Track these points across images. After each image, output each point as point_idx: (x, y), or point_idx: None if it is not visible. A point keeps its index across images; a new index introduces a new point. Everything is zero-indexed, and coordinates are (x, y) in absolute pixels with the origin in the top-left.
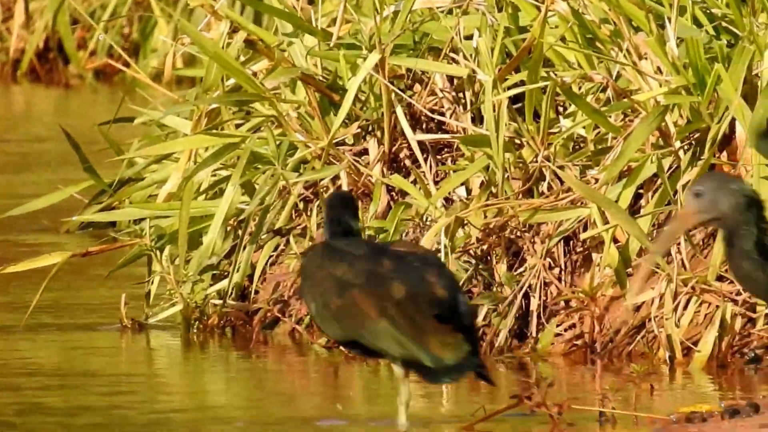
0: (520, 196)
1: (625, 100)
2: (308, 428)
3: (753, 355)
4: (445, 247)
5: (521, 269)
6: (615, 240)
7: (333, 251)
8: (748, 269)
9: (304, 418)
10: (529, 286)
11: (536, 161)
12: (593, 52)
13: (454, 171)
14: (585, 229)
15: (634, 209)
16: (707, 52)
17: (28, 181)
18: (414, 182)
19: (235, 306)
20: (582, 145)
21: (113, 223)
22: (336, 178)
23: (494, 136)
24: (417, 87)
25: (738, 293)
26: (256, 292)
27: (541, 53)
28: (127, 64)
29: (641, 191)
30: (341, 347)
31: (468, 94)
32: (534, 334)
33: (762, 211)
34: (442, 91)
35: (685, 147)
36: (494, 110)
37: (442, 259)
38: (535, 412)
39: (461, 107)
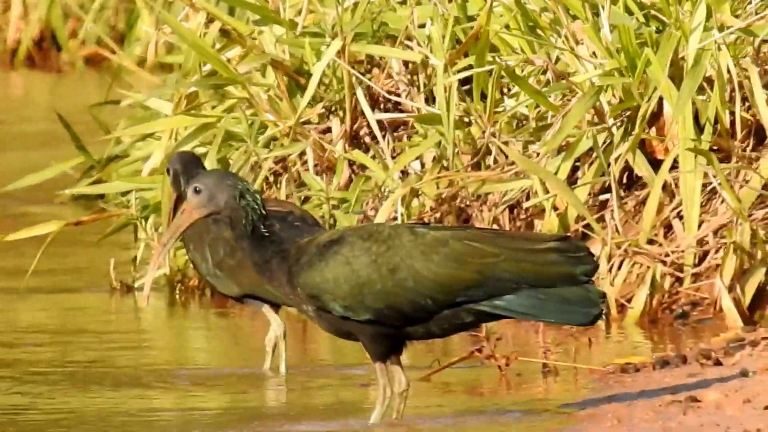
0: (469, 168)
1: (564, 81)
2: (278, 377)
3: (681, 311)
4: (402, 215)
5: None
6: (555, 208)
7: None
8: (247, 249)
9: (274, 368)
10: None
11: (483, 137)
12: (534, 38)
13: (410, 147)
14: (528, 198)
15: (571, 180)
16: (638, 38)
17: (25, 158)
18: (373, 157)
19: None
20: (525, 122)
21: (102, 196)
22: (303, 153)
23: (445, 115)
24: (375, 71)
25: (667, 255)
26: None
27: (487, 40)
28: (114, 52)
29: (578, 164)
30: (233, 300)
31: (422, 77)
32: None
33: (259, 199)
34: (398, 74)
35: (618, 124)
36: (445, 91)
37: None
38: (484, 364)
39: (415, 89)
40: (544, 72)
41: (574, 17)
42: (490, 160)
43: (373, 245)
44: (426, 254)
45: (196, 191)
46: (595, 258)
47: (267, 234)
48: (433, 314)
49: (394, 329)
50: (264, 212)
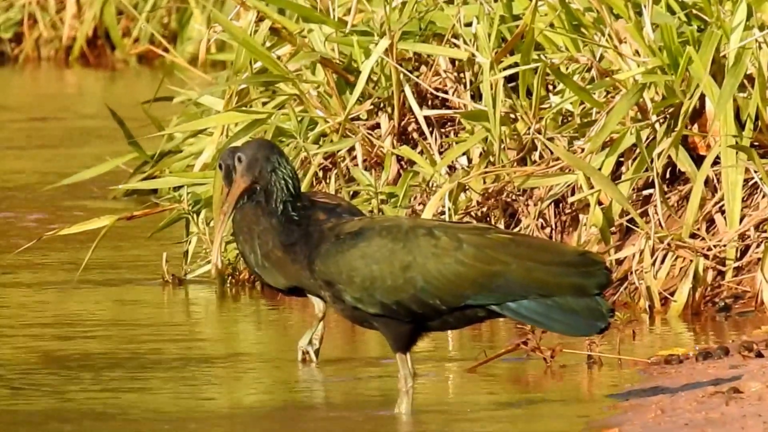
0: (515, 164)
1: (608, 79)
2: (328, 368)
3: (723, 304)
4: (449, 209)
5: (517, 229)
6: (599, 202)
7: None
8: (275, 227)
9: (325, 360)
10: None
11: (529, 133)
12: (579, 36)
13: (456, 142)
14: (573, 193)
15: (615, 175)
16: (680, 37)
17: (79, 154)
18: (421, 153)
19: None
20: (569, 119)
21: (155, 190)
22: (352, 149)
23: (491, 111)
24: (423, 68)
25: (709, 249)
26: None
27: (532, 38)
28: (166, 50)
29: (622, 159)
30: (280, 293)
31: (468, 74)
32: None
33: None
34: (445, 72)
35: (661, 120)
36: (491, 89)
37: (446, 219)
38: (530, 356)
39: (462, 86)
40: (589, 69)
41: (618, 16)
42: (535, 156)
43: (389, 242)
44: (438, 256)
45: (239, 160)
46: (609, 273)
47: (296, 218)
48: (441, 313)
49: (406, 322)
50: (295, 192)
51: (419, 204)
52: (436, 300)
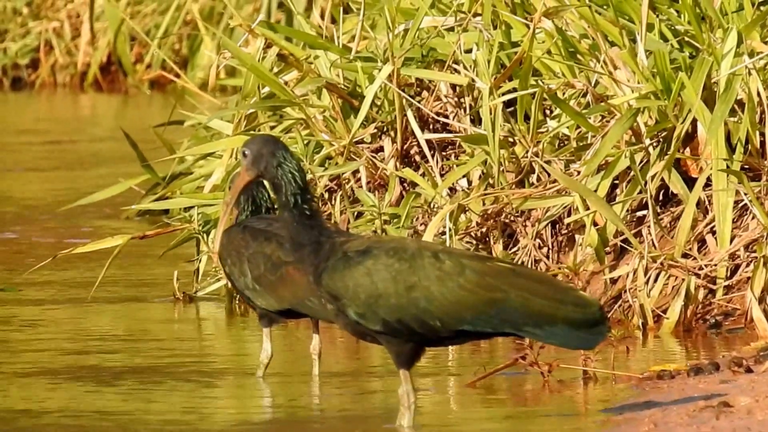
0: (514, 186)
1: (603, 104)
2: (332, 382)
3: (714, 321)
4: (450, 229)
5: (515, 248)
6: (595, 223)
7: (256, 232)
8: (288, 222)
9: (329, 372)
10: (522, 263)
11: (527, 156)
12: (575, 63)
13: (457, 165)
14: (569, 214)
15: (610, 197)
16: (672, 63)
17: (93, 176)
18: (423, 175)
19: None
20: (566, 142)
21: (166, 211)
22: (356, 171)
23: (491, 135)
24: (425, 93)
25: (700, 268)
26: None
27: (530, 64)
28: (177, 75)
29: (617, 182)
30: (272, 314)
31: (468, 99)
32: None
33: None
34: (446, 97)
35: (654, 144)
36: (491, 113)
37: (446, 241)
38: (528, 371)
39: (462, 111)
40: (584, 95)
41: (612, 43)
42: (533, 178)
43: (396, 262)
44: (441, 279)
45: (244, 154)
46: (606, 316)
47: (309, 214)
48: (440, 335)
49: (408, 340)
50: (303, 185)
51: (421, 224)
52: (437, 321)
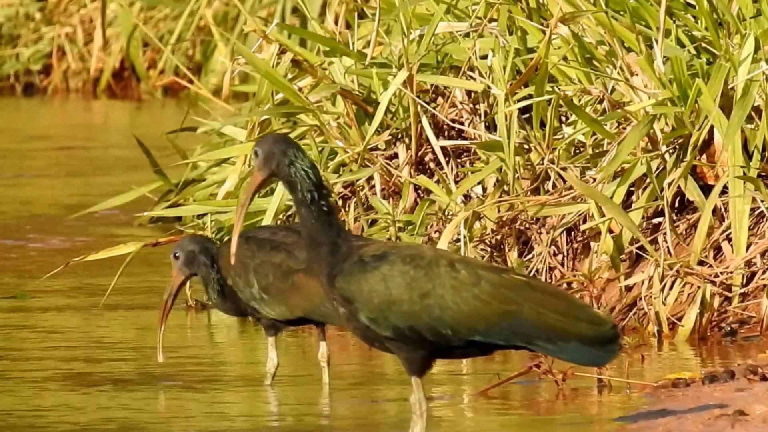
0: (529, 193)
1: (619, 110)
2: (345, 390)
3: (729, 329)
4: (464, 237)
5: (530, 256)
6: (610, 230)
7: (261, 241)
8: (305, 217)
9: (340, 380)
10: (537, 270)
11: (542, 163)
12: (591, 69)
13: (472, 172)
14: (584, 221)
15: (626, 204)
16: (689, 69)
17: (106, 182)
18: (437, 182)
19: None
20: (582, 149)
21: (179, 218)
22: (370, 178)
23: (506, 142)
24: (440, 100)
25: (716, 275)
26: None
27: (546, 71)
28: (191, 82)
29: (633, 189)
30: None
31: (483, 105)
32: None
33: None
34: (461, 103)
35: (670, 151)
36: (506, 120)
37: (461, 248)
38: (542, 379)
39: (478, 117)
40: (601, 101)
41: (629, 49)
42: (548, 185)
43: (411, 269)
44: (456, 289)
45: (256, 154)
46: (619, 334)
47: (327, 210)
48: (451, 344)
49: (418, 348)
50: (317, 181)
51: (435, 232)
52: (448, 330)
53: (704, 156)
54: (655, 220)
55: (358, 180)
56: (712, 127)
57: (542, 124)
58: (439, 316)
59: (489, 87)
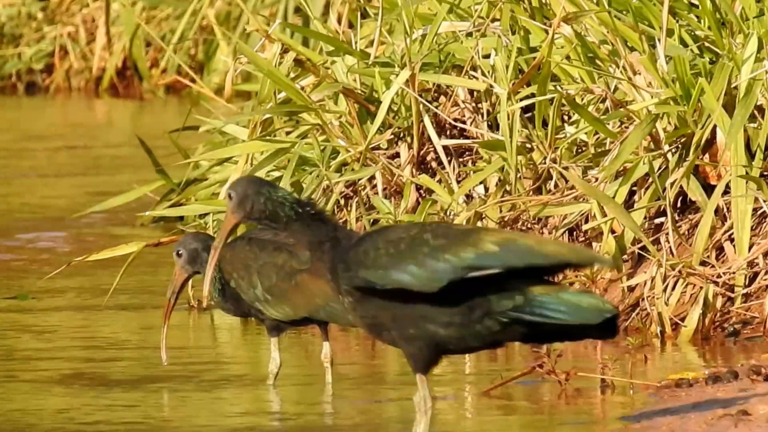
0: (531, 193)
1: (622, 109)
2: (348, 389)
3: (732, 329)
4: None
5: None
6: (612, 230)
7: (263, 243)
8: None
9: (345, 380)
10: None
11: (544, 163)
12: (594, 68)
13: (474, 172)
14: (587, 221)
15: (628, 204)
16: (692, 68)
17: (108, 182)
18: (439, 181)
19: None
20: (584, 148)
21: (181, 218)
22: (372, 177)
23: (508, 141)
24: (442, 99)
25: (719, 276)
26: None
27: (548, 70)
28: (193, 81)
29: (635, 188)
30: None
31: (486, 105)
32: None
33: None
34: (463, 102)
35: (673, 150)
36: (508, 119)
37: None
38: (545, 379)
39: (480, 116)
40: (603, 100)
41: (632, 49)
42: (550, 185)
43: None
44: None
45: (230, 197)
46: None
47: (314, 213)
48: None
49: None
50: (297, 200)
51: None
52: (447, 256)
53: (707, 155)
54: (658, 220)
55: (359, 179)
56: (714, 126)
57: (544, 124)
58: (433, 245)
59: (491, 86)
